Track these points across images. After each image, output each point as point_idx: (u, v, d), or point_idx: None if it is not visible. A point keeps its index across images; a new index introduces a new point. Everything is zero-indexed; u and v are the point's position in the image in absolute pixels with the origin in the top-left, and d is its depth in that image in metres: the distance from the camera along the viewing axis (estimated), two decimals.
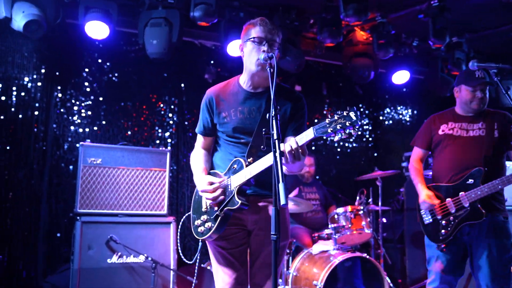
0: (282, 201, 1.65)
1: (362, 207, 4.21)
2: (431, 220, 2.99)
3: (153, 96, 5.34)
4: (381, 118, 6.91)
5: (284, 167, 2.13)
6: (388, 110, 6.99)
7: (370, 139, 6.79)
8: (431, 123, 3.16)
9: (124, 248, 3.81)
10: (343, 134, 1.88)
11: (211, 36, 5.26)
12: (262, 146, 2.05)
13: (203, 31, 5.11)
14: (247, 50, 2.35)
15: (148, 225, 4.04)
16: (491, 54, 6.11)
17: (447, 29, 4.47)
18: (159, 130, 5.31)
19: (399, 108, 7.02)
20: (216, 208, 2.29)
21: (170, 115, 5.40)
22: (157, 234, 4.05)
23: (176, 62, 5.35)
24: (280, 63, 5.07)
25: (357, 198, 4.36)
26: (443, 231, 2.93)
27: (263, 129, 1.98)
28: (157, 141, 5.27)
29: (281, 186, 1.68)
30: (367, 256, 3.87)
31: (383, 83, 6.20)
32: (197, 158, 2.53)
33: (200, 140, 2.58)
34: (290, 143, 1.99)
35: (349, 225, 4.09)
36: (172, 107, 5.42)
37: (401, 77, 5.82)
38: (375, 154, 6.71)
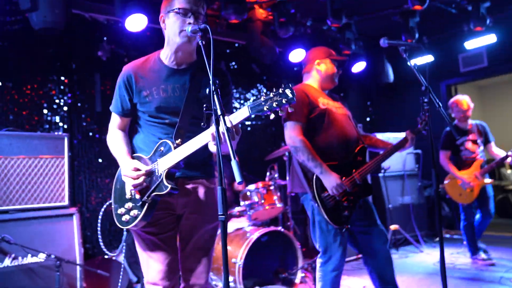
0: (238, 179, 1.54)
1: (272, 182, 4.27)
2: (332, 203, 2.77)
3: (38, 75, 4.69)
4: None
5: (213, 148, 2.02)
6: None
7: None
8: (306, 96, 2.92)
9: (20, 248, 3.32)
10: (279, 112, 1.81)
11: (104, 10, 4.78)
12: (202, 123, 1.90)
13: (95, 3, 4.61)
14: (169, 22, 2.16)
15: (47, 219, 3.58)
16: (374, 36, 6.61)
17: (343, 10, 4.69)
18: (48, 114, 4.71)
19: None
20: (140, 195, 2.10)
21: (60, 96, 4.82)
22: (58, 229, 3.62)
23: (64, 38, 4.76)
24: None
25: (267, 173, 4.41)
26: (346, 211, 2.79)
27: (205, 105, 1.83)
28: (47, 126, 4.68)
29: (234, 164, 1.58)
30: (282, 229, 3.96)
31: (280, 61, 6.33)
32: (116, 140, 2.29)
33: (116, 120, 2.34)
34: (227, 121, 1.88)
35: (262, 201, 4.13)
36: (62, 87, 4.84)
37: (297, 55, 6.00)
38: (273, 129, 6.84)
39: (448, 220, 6.97)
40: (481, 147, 4.83)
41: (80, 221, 3.75)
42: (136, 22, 4.48)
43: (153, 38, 5.38)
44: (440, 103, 2.56)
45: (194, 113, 2.22)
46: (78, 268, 3.60)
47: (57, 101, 4.78)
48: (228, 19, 4.50)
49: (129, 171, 2.08)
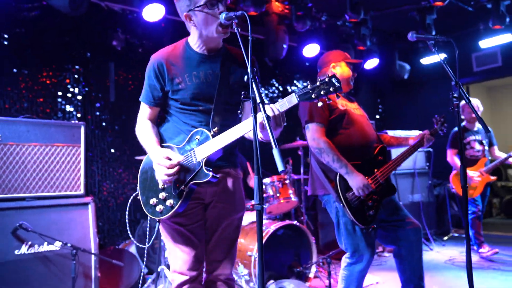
0: (280, 167, 1.50)
1: (288, 176, 4.23)
2: (357, 203, 2.72)
3: (53, 63, 4.64)
4: (290, 90, 7.02)
5: (259, 135, 1.98)
6: (297, 83, 7.13)
7: None
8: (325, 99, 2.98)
9: (36, 235, 3.28)
10: (327, 100, 1.82)
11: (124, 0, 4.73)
12: (239, 112, 1.86)
13: None
14: (199, 18, 2.09)
15: (62, 207, 3.53)
16: (391, 31, 6.56)
17: (361, 5, 4.62)
18: (62, 102, 4.67)
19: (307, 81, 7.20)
20: (175, 184, 2.06)
21: (75, 85, 4.77)
22: (73, 217, 3.57)
23: (79, 26, 4.71)
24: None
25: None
26: (371, 211, 2.75)
27: (243, 93, 1.78)
28: (60, 114, 4.64)
29: (276, 152, 1.53)
30: (298, 223, 3.92)
31: (293, 56, 6.28)
32: (146, 130, 2.23)
33: (146, 111, 2.27)
34: (272, 108, 1.84)
35: (277, 195, 4.09)
36: (77, 76, 4.79)
37: (311, 50, 5.94)
38: (291, 123, 6.79)
39: (457, 219, 6.93)
40: (486, 147, 5.19)
41: (95, 211, 3.71)
42: (153, 12, 4.43)
43: (168, 29, 5.33)
44: (469, 98, 2.51)
45: (227, 100, 2.19)
46: (93, 257, 3.57)
47: (71, 89, 4.74)
48: (247, 11, 4.44)
49: (162, 159, 2.03)
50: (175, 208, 2.06)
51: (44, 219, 3.41)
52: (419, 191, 6.30)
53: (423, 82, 7.36)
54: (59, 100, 4.64)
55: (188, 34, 2.24)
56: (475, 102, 5.14)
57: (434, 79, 7.29)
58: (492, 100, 9.89)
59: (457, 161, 5.10)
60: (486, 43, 6.39)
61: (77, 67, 4.79)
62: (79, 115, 4.76)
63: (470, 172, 4.99)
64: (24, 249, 3.28)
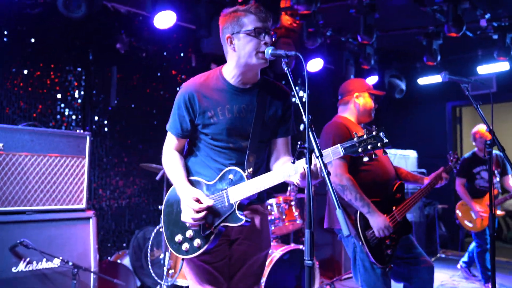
0: (346, 232, 1.43)
1: (293, 198, 4.17)
2: (376, 241, 2.66)
3: (54, 63, 4.42)
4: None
5: (296, 180, 1.90)
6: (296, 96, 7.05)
7: None
8: (347, 130, 2.82)
9: (35, 252, 3.11)
10: (372, 155, 1.77)
11: (128, 1, 4.54)
12: (292, 160, 1.78)
13: None
14: (241, 43, 1.98)
15: (64, 222, 3.36)
16: (395, 51, 6.59)
17: (375, 27, 4.60)
18: (62, 105, 4.45)
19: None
20: (204, 226, 1.97)
21: (75, 87, 4.56)
22: (74, 232, 3.40)
23: (82, 26, 4.50)
24: (204, 42, 4.67)
25: (289, 187, 4.30)
26: (388, 250, 2.70)
27: (299, 142, 1.69)
28: (58, 117, 4.42)
29: (339, 214, 1.46)
30: (303, 248, 3.86)
31: (296, 70, 6.21)
32: (174, 163, 2.14)
33: (172, 141, 2.17)
34: (315, 162, 1.75)
35: (283, 217, 4.02)
36: (78, 78, 4.58)
37: (315, 65, 5.89)
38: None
39: (444, 240, 7.04)
40: (497, 178, 4.77)
41: (96, 225, 3.55)
42: (164, 19, 4.27)
43: (172, 34, 5.17)
44: (502, 146, 2.50)
45: (261, 137, 2.10)
46: (92, 275, 3.41)
47: (71, 92, 4.53)
48: None
49: (191, 201, 1.94)
50: (203, 249, 1.98)
51: (44, 234, 3.25)
52: (411, 211, 6.35)
53: (419, 102, 7.43)
54: (58, 102, 4.43)
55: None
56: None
57: (429, 99, 7.38)
58: (477, 121, 10.10)
59: (465, 193, 4.76)
60: (483, 69, 6.50)
61: (78, 69, 4.58)
62: (77, 118, 4.55)
63: (477, 206, 4.69)
64: (22, 266, 3.10)
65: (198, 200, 1.95)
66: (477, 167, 4.79)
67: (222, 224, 1.95)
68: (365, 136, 1.76)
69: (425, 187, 2.99)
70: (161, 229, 2.12)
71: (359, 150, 1.75)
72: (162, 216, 2.17)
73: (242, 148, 2.06)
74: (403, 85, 6.70)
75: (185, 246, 2.01)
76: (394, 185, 2.88)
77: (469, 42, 6.06)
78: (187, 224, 2.01)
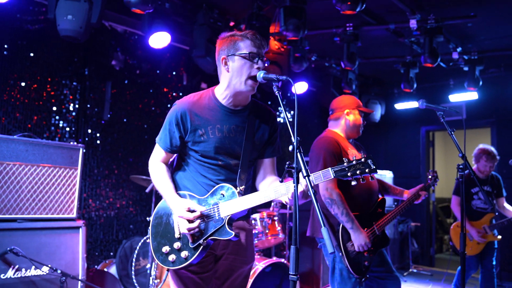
0: (330, 249, 1.46)
1: (276, 213, 4.19)
2: (354, 253, 2.73)
3: (51, 77, 4.40)
4: None
5: (285, 199, 1.94)
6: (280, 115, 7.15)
7: None
8: (338, 145, 2.85)
9: (25, 259, 3.05)
10: (360, 180, 1.81)
11: (126, 21, 4.57)
12: (280, 180, 1.81)
13: (123, 15, 4.41)
14: (234, 65, 2.01)
15: (54, 230, 3.32)
16: (374, 77, 6.75)
17: (357, 55, 4.73)
18: (56, 117, 4.42)
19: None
20: (193, 238, 1.97)
21: (70, 101, 4.54)
22: (64, 241, 3.35)
23: (81, 43, 4.50)
24: (199, 61, 4.72)
25: (272, 203, 4.33)
26: (365, 262, 2.75)
27: (287, 162, 1.73)
28: (53, 128, 4.38)
29: (325, 232, 1.49)
30: (285, 261, 3.88)
31: (281, 91, 6.28)
32: (162, 175, 2.13)
33: (160, 154, 2.17)
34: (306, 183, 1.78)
35: (266, 231, 4.03)
36: (73, 92, 4.56)
37: (300, 87, 5.99)
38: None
39: (416, 256, 7.13)
40: (494, 200, 4.36)
41: (85, 235, 3.51)
42: (159, 40, 4.32)
43: (165, 54, 5.22)
44: (473, 170, 2.59)
45: (251, 157, 2.13)
46: (79, 283, 3.36)
47: (66, 105, 4.51)
48: None
49: (184, 212, 1.94)
50: (190, 260, 1.96)
51: (34, 242, 3.20)
52: (387, 228, 6.42)
53: (395, 125, 7.60)
54: (53, 114, 4.40)
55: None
56: (489, 148, 4.40)
57: (405, 123, 7.56)
58: (447, 144, 10.34)
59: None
60: (454, 98, 6.70)
61: (74, 83, 4.57)
62: (71, 130, 4.52)
63: (474, 230, 4.22)
64: (10, 273, 3.04)
65: (191, 211, 1.95)
66: (476, 187, 4.28)
67: (211, 238, 1.96)
68: (354, 162, 1.80)
69: (403, 203, 3.02)
70: (148, 240, 2.10)
71: (348, 174, 1.79)
72: (150, 227, 2.15)
73: (231, 166, 2.08)
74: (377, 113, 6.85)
75: (172, 257, 2.00)
76: (376, 200, 2.93)
77: (442, 72, 6.27)
78: (177, 234, 2.01)
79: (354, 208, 2.78)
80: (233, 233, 1.93)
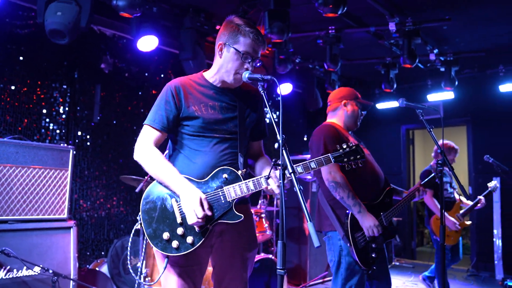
0: (316, 243, 1.46)
1: (263, 210, 4.20)
2: (363, 244, 2.57)
3: (41, 80, 4.32)
4: None
5: (268, 187, 1.92)
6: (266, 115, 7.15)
7: None
8: (337, 132, 2.77)
9: (16, 260, 2.99)
10: (352, 165, 2.05)
11: (115, 25, 4.52)
12: (272, 161, 1.77)
13: (112, 20, 4.36)
14: (228, 55, 1.98)
15: (45, 231, 3.25)
16: (356, 78, 6.80)
17: (339, 56, 4.76)
18: (47, 120, 4.35)
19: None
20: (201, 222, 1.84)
21: (60, 103, 4.47)
22: (55, 241, 3.30)
23: (70, 46, 4.44)
24: (185, 64, 4.69)
25: (259, 201, 4.33)
26: (373, 254, 2.60)
27: (273, 160, 1.72)
28: (43, 131, 4.31)
29: (310, 227, 1.49)
30: (273, 257, 3.88)
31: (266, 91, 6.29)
32: (159, 157, 1.94)
33: (153, 135, 1.99)
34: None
35: None
36: (63, 95, 4.49)
37: (285, 88, 6.01)
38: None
39: (399, 249, 7.20)
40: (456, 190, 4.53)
41: (77, 235, 3.45)
42: (147, 43, 4.29)
43: (154, 57, 5.18)
44: (452, 166, 2.62)
45: (246, 135, 2.08)
46: (71, 283, 3.30)
47: (56, 107, 4.44)
48: None
49: (197, 206, 1.80)
50: (197, 245, 1.85)
51: (26, 243, 3.13)
52: None
53: (376, 124, 7.67)
54: (44, 117, 4.32)
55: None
56: (451, 143, 4.63)
57: (386, 122, 7.64)
58: (426, 142, 10.49)
59: (437, 204, 4.26)
60: (432, 97, 6.80)
61: (64, 86, 4.50)
62: (61, 132, 4.45)
63: (452, 218, 4.31)
64: (1, 274, 2.98)
65: (201, 203, 1.83)
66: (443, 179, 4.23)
67: (220, 221, 1.89)
68: (348, 149, 2.01)
69: (407, 195, 2.90)
70: (137, 227, 2.01)
71: (345, 159, 2.00)
72: (140, 213, 1.92)
73: (228, 144, 2.01)
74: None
75: (175, 243, 1.85)
76: (384, 188, 2.78)
77: (420, 73, 6.36)
78: (179, 219, 1.87)
79: (362, 196, 2.62)
80: (242, 216, 1.88)
